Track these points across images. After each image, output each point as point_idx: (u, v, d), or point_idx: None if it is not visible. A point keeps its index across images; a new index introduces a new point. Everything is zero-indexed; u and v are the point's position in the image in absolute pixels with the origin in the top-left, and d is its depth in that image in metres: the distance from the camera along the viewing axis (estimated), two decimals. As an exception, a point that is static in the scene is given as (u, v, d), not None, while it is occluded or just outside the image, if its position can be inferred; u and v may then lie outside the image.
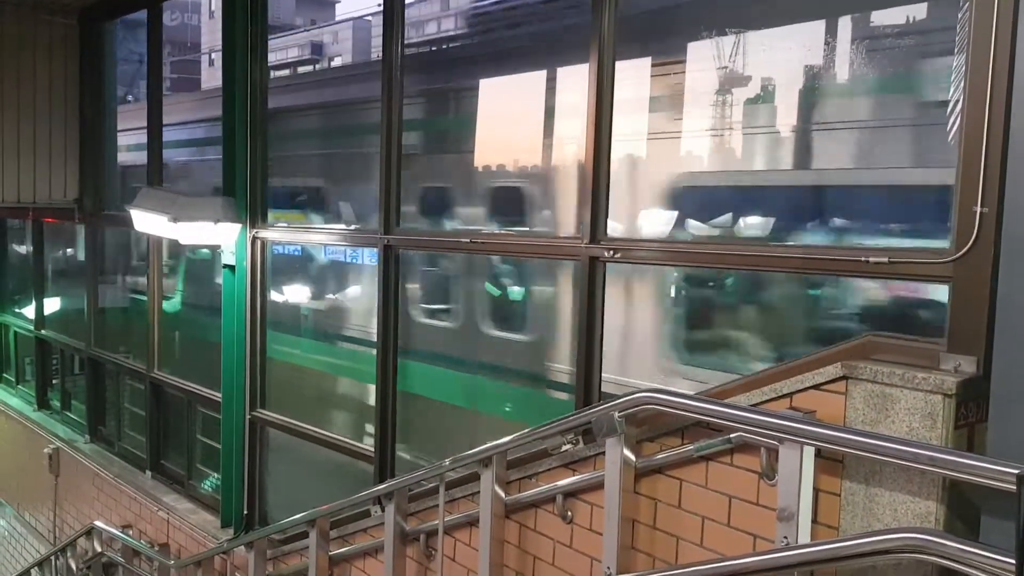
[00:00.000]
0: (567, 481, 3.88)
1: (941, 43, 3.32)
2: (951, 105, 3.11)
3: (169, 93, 9.13)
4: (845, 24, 3.85)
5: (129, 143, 9.46)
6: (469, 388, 5.88)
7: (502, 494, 4.09)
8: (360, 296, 6.76)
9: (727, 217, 4.36)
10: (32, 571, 9.83)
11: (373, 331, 6.00)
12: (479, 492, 4.15)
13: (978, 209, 2.89)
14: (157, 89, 8.56)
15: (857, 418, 2.90)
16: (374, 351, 5.97)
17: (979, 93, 2.89)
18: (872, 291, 3.78)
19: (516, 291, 5.76)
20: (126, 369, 9.41)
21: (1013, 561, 2.18)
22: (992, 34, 2.85)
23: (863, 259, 3.37)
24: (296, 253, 7.39)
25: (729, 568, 3.03)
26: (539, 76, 5.48)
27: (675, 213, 4.55)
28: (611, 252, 4.39)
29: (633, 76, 4.53)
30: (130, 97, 10.50)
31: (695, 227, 4.48)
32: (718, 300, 4.61)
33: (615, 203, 4.47)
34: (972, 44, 2.92)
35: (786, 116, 4.18)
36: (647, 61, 4.65)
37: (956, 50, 3.07)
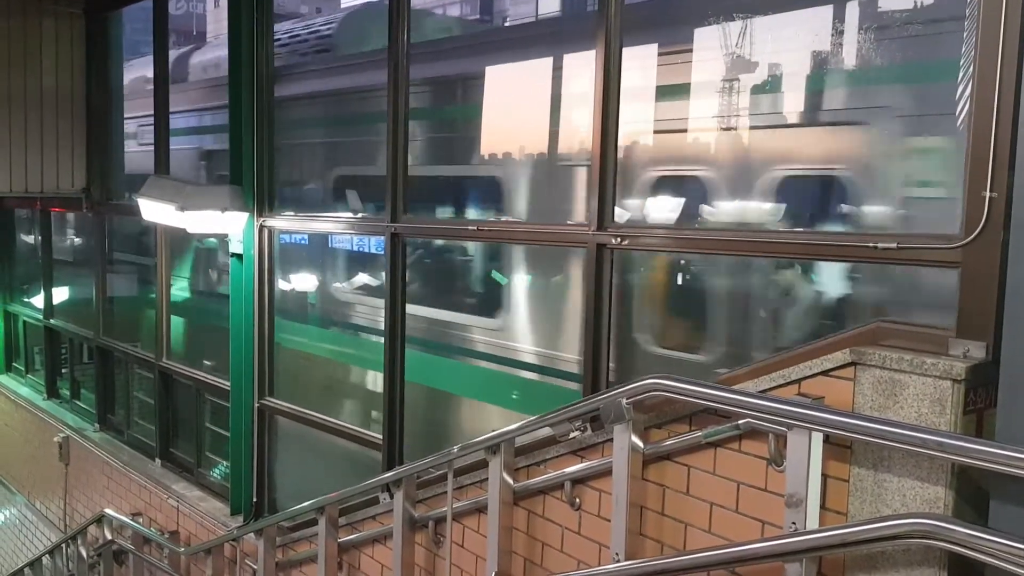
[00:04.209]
0: (575, 468, 3.89)
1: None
2: (960, 90, 3.09)
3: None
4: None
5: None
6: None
7: (510, 481, 4.10)
8: (366, 283, 6.77)
9: (736, 204, 4.35)
10: (43, 559, 9.90)
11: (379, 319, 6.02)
12: (487, 479, 4.16)
13: (987, 194, 2.88)
14: (163, 78, 8.55)
15: (866, 404, 2.90)
16: (380, 339, 5.99)
17: (988, 77, 2.87)
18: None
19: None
20: (135, 358, 9.45)
21: (1023, 546, 2.18)
22: (1002, 18, 2.83)
23: (872, 244, 3.37)
24: (304, 243, 7.41)
25: (738, 554, 3.04)
26: (545, 63, 5.46)
27: (682, 200, 4.54)
28: (618, 239, 4.39)
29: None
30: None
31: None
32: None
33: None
34: (981, 28, 2.91)
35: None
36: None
37: (965, 35, 3.06)
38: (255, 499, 7.32)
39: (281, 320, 7.24)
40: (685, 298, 4.68)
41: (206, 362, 8.26)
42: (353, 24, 7.34)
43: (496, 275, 5.85)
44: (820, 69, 3.96)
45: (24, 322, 12.10)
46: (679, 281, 4.72)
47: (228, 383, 7.40)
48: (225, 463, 7.85)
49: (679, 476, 3.46)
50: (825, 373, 3.02)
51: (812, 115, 4.08)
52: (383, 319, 5.93)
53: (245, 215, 7.02)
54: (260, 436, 7.30)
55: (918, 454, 2.66)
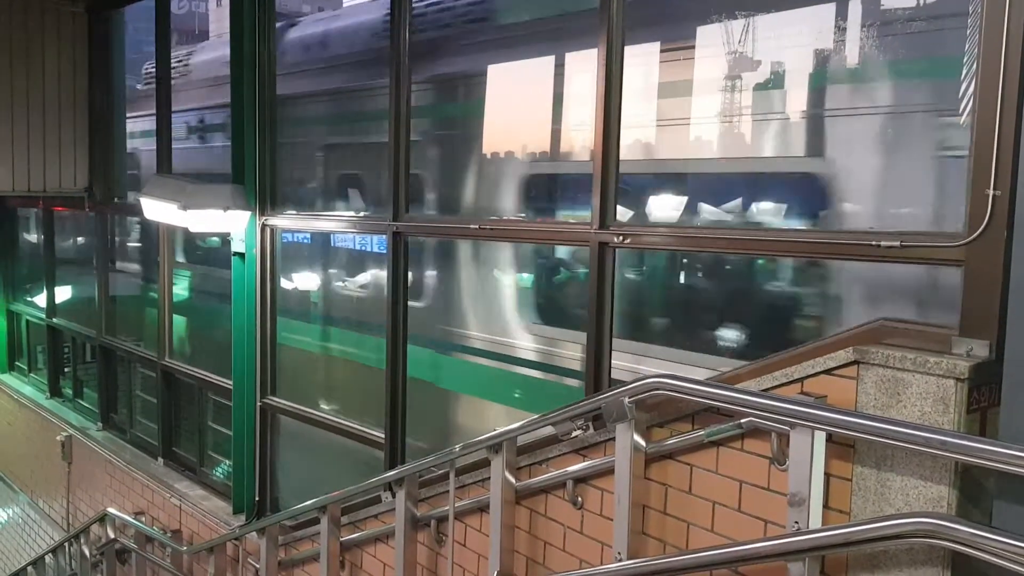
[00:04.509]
0: (577, 467, 3.89)
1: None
2: (963, 87, 3.08)
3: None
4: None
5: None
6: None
7: (512, 480, 4.09)
8: (369, 283, 6.76)
9: (738, 202, 4.33)
10: (46, 558, 9.90)
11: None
12: (489, 478, 4.15)
13: (991, 192, 2.87)
14: (166, 77, 8.56)
15: (868, 403, 2.89)
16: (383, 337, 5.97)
17: (992, 75, 2.86)
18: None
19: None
20: (137, 357, 9.45)
21: (1026, 545, 2.17)
22: (1005, 15, 2.82)
23: (875, 243, 3.35)
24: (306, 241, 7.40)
25: (740, 553, 3.03)
26: (547, 61, 5.44)
27: (684, 198, 4.54)
28: (620, 237, 4.38)
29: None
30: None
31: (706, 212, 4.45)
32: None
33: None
34: (984, 25, 2.89)
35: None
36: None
37: (968, 32, 3.05)
38: (257, 498, 7.32)
39: (283, 319, 7.24)
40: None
41: (207, 361, 8.26)
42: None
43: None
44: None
45: (27, 321, 12.11)
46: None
47: (230, 382, 7.40)
48: (227, 462, 7.85)
49: (681, 475, 3.45)
50: (828, 372, 3.01)
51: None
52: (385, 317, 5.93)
53: (247, 214, 7.02)
54: (262, 435, 7.30)
55: (921, 453, 2.65)
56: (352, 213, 6.83)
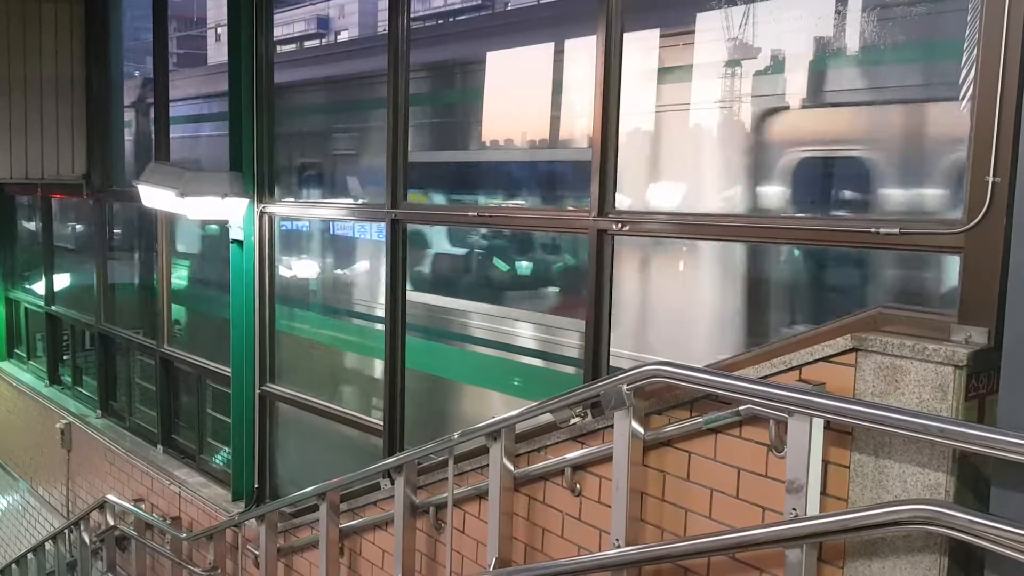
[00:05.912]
0: (576, 454, 3.89)
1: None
2: (963, 73, 3.07)
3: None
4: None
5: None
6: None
7: (511, 467, 4.09)
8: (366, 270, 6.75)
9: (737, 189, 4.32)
10: (46, 545, 9.93)
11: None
12: (488, 465, 4.16)
13: (990, 179, 2.86)
14: (163, 64, 8.53)
15: (867, 390, 2.89)
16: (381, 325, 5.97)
17: (992, 60, 2.85)
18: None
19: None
20: (136, 344, 9.45)
21: None
22: (1006, 1, 2.81)
23: (874, 230, 3.35)
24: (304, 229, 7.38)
25: (738, 540, 3.03)
26: (547, 48, 5.42)
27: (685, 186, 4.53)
28: (619, 225, 4.37)
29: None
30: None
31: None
32: None
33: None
34: (985, 10, 2.88)
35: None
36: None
37: (968, 16, 3.03)
38: (256, 485, 7.33)
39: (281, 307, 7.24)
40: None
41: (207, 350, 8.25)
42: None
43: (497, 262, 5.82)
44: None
45: (26, 309, 12.11)
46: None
47: (229, 370, 7.40)
48: (227, 449, 7.86)
49: (679, 462, 3.46)
50: (826, 359, 3.00)
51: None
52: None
53: (245, 201, 7.00)
54: (261, 422, 7.30)
55: (919, 440, 2.65)
56: (349, 200, 6.82)
